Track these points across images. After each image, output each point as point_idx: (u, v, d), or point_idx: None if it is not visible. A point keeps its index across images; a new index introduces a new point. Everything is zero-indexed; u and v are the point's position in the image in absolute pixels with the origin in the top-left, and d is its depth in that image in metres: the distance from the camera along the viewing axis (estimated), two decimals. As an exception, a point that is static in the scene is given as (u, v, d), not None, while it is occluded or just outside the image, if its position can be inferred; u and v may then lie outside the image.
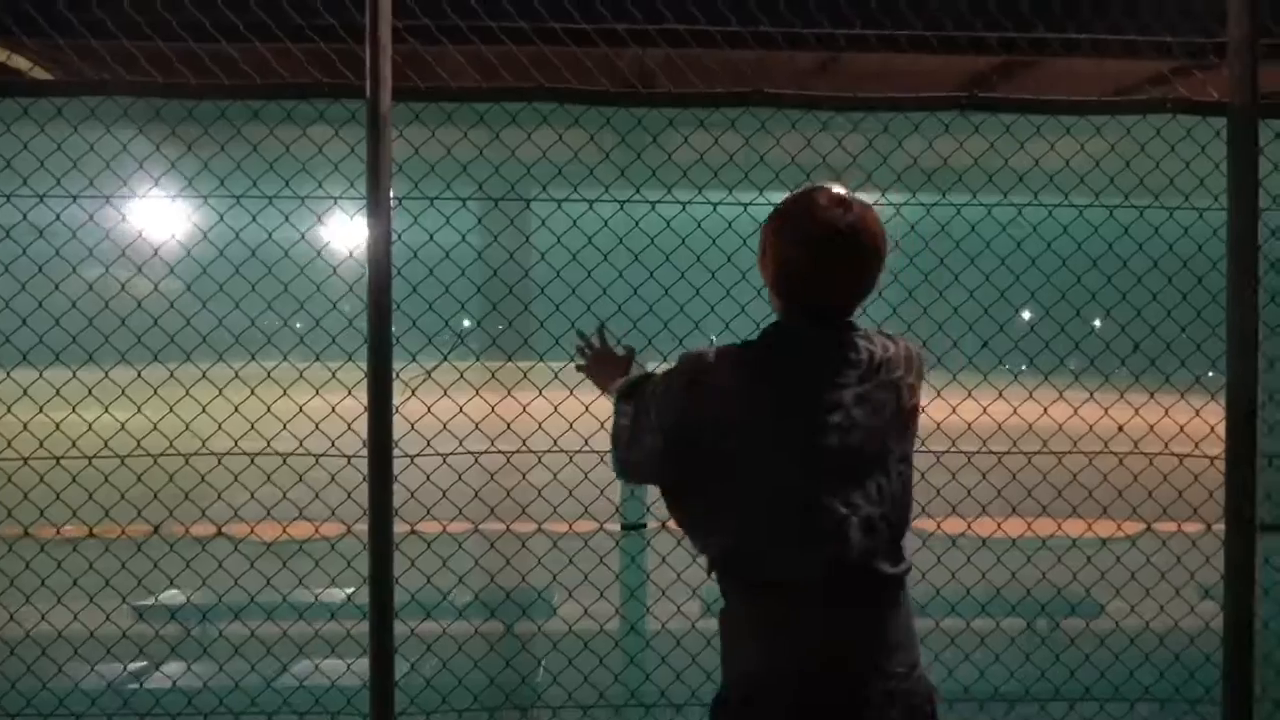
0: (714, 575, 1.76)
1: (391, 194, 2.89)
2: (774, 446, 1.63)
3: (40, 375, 2.97)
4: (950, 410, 3.21)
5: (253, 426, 3.12)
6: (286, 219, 3.21)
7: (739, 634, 1.66)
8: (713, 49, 3.35)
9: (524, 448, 3.11)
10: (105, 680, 3.19)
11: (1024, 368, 3.80)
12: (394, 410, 2.83)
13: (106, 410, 3.11)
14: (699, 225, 3.11)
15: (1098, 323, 3.65)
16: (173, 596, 4.45)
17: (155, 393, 3.08)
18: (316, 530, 3.13)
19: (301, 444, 3.04)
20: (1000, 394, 3.24)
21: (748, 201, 3.12)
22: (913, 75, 4.21)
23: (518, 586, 3.06)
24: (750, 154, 3.18)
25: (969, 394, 3.20)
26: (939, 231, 3.27)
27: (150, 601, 4.07)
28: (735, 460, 1.64)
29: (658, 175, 3.11)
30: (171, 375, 3.02)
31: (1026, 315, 3.80)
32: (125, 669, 3.23)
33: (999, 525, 3.42)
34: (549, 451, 3.11)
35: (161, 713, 3.15)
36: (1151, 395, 3.41)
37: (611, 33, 3.33)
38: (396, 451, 2.88)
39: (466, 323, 3.52)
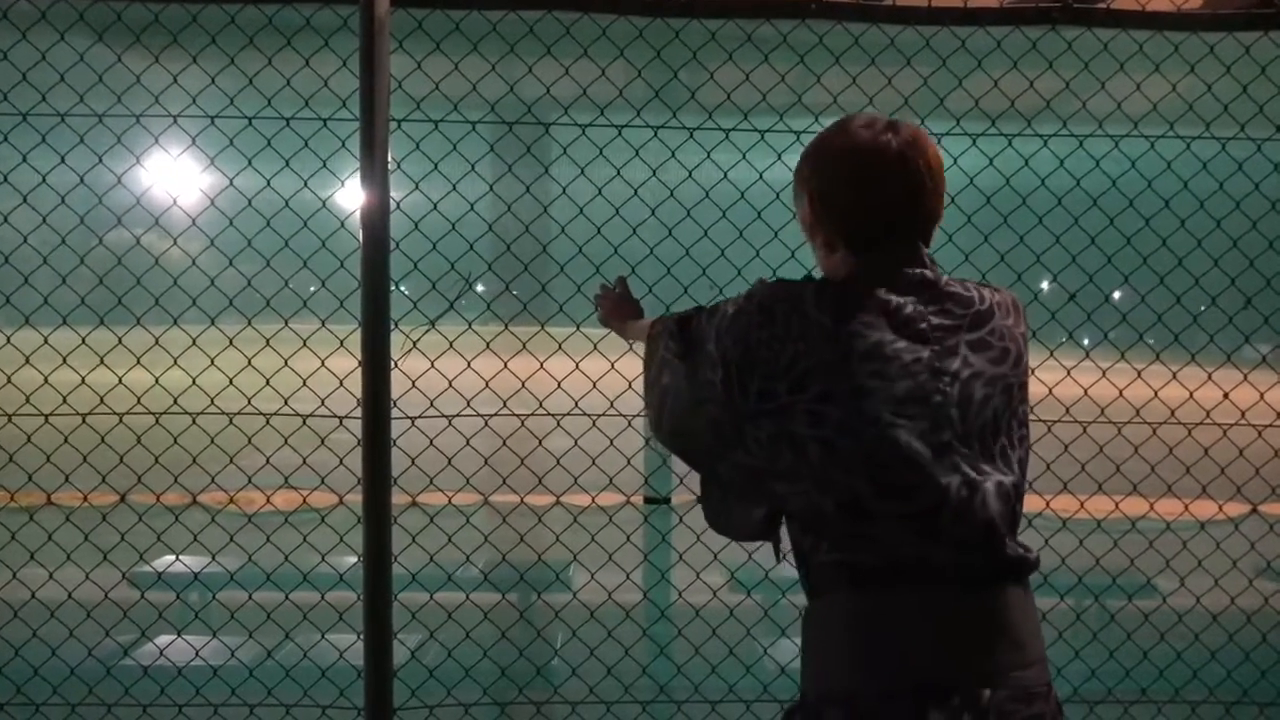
0: (790, 558, 1.42)
1: (390, 116, 2.52)
2: (881, 393, 1.31)
3: (45, 340, 2.65)
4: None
5: (231, 383, 2.77)
6: (287, 164, 2.83)
7: (834, 637, 1.31)
8: None
9: (540, 410, 2.76)
10: (96, 652, 2.89)
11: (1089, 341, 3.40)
12: (392, 365, 2.49)
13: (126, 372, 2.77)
14: (744, 156, 2.72)
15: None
16: (169, 563, 4.15)
17: (176, 354, 2.75)
18: (304, 500, 2.80)
19: (286, 402, 2.69)
20: (1068, 372, 2.85)
21: (801, 129, 2.72)
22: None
23: (533, 566, 2.73)
24: (805, 75, 2.78)
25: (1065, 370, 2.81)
26: (1020, 169, 2.86)
27: (146, 569, 3.77)
28: (830, 406, 1.31)
29: (697, 98, 2.71)
30: (194, 339, 2.69)
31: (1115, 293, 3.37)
32: (111, 639, 2.93)
33: (1082, 504, 3.05)
34: (569, 414, 2.76)
35: (149, 685, 2.85)
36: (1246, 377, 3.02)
37: None
38: (395, 412, 2.54)
39: (480, 287, 3.14)
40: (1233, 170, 2.93)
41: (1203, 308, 3.07)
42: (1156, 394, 2.86)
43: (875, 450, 1.29)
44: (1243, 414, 2.90)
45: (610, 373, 2.74)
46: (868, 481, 1.29)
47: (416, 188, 2.73)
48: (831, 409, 1.30)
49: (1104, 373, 2.84)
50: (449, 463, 2.78)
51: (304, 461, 2.79)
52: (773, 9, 2.75)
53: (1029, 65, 2.84)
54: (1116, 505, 2.96)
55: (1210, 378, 2.89)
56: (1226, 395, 2.87)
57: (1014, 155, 2.83)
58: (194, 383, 2.73)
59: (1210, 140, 2.88)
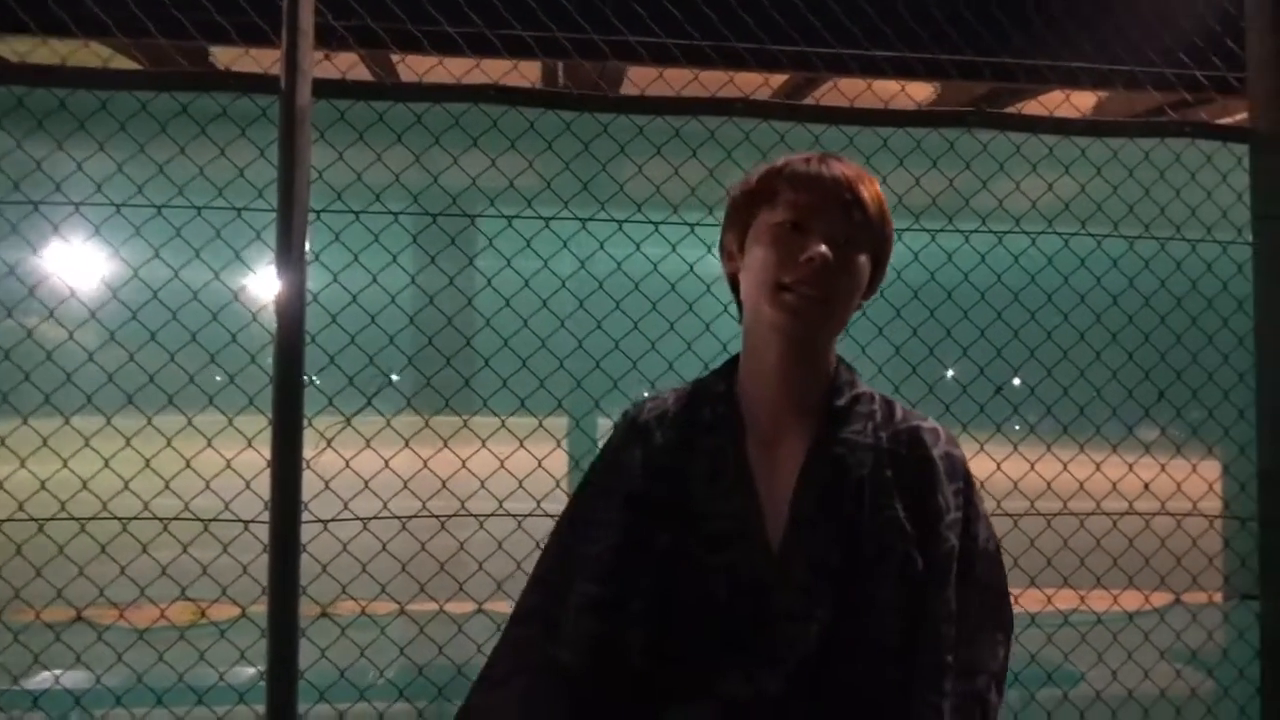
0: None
1: (310, 206, 2.46)
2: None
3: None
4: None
5: (127, 486, 2.60)
6: (197, 254, 2.75)
7: None
8: (671, 65, 3.00)
9: (463, 511, 2.66)
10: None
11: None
12: (304, 464, 2.37)
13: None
14: (674, 249, 2.74)
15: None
16: (41, 680, 3.81)
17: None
18: (203, 613, 2.62)
19: (187, 506, 2.54)
20: (981, 447, 2.89)
21: (728, 224, 2.76)
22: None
23: (453, 680, 2.58)
24: (732, 169, 2.84)
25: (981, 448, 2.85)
26: (943, 265, 2.95)
27: (20, 689, 3.45)
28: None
29: (626, 191, 2.74)
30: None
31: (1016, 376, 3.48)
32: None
33: (1015, 598, 3.04)
34: (493, 515, 2.66)
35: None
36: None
37: (553, 42, 2.95)
38: (306, 515, 2.41)
39: (395, 377, 3.05)
40: (1140, 268, 3.08)
41: (1127, 395, 3.18)
42: (1083, 485, 2.92)
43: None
44: (1163, 504, 2.98)
45: (537, 470, 2.67)
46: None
47: (335, 279, 2.66)
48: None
49: (1031, 465, 2.89)
50: (363, 569, 2.65)
51: (204, 570, 2.62)
52: (699, 106, 2.82)
53: (949, 165, 2.96)
54: (1049, 599, 2.97)
55: (1132, 468, 2.97)
56: (1146, 486, 2.94)
57: (937, 251, 2.92)
58: (85, 485, 2.56)
59: (1119, 239, 3.03)
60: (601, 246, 2.75)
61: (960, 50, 3.31)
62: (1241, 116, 3.77)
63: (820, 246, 1.30)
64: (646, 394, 1.52)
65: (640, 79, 4.14)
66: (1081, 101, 4.28)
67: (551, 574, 1.42)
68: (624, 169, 2.75)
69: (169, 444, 2.64)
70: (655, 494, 1.35)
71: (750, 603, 1.29)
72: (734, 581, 1.29)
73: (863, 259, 1.35)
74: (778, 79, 4.49)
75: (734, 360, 1.45)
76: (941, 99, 4.51)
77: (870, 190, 1.36)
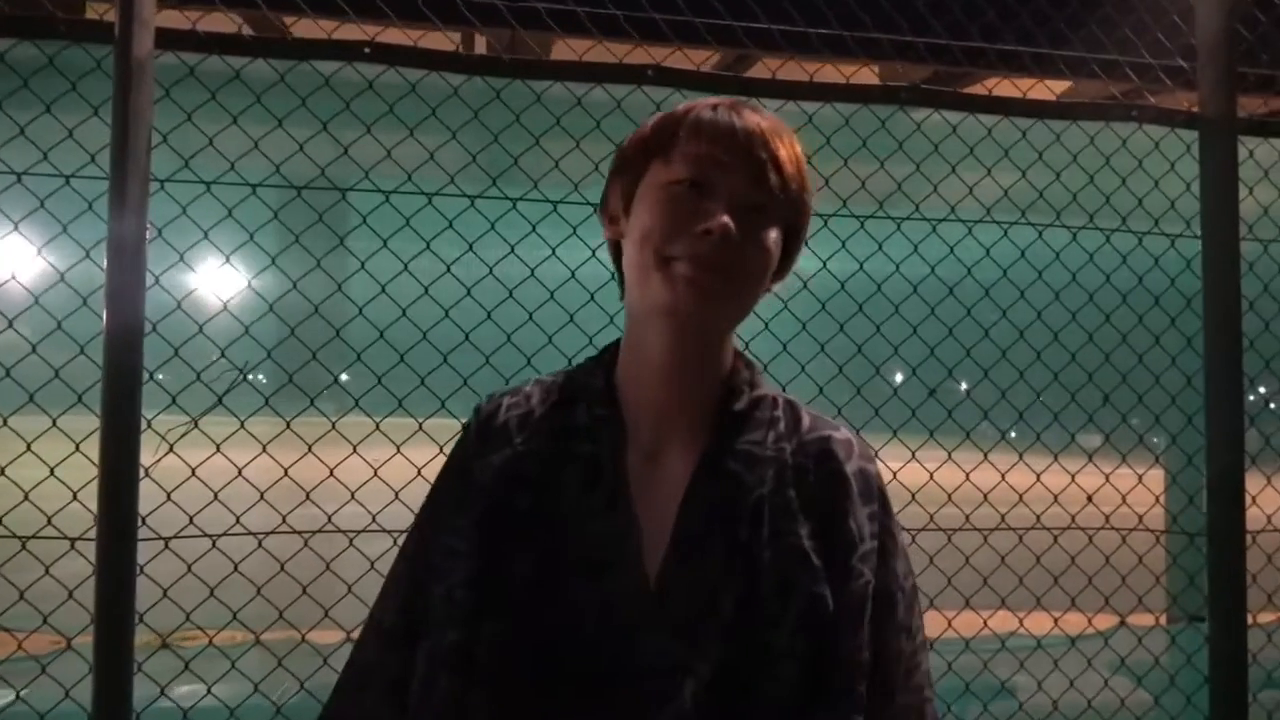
0: None
1: (151, 174, 2.13)
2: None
3: None
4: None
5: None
6: (16, 227, 2.39)
7: None
8: (581, 36, 2.72)
9: (329, 526, 2.34)
10: None
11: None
12: (142, 472, 2.05)
13: None
14: (575, 231, 2.45)
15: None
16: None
17: None
18: (19, 645, 2.26)
19: (1, 521, 2.18)
20: (913, 455, 2.66)
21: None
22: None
23: None
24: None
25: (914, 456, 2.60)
26: (871, 255, 2.70)
27: None
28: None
29: (521, 165, 2.44)
30: None
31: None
32: None
33: (949, 623, 2.82)
34: (364, 531, 2.35)
35: None
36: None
37: (450, 7, 2.64)
38: (143, 532, 2.09)
39: (256, 375, 2.72)
40: (1083, 262, 2.88)
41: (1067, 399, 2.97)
42: (1022, 497, 2.69)
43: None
44: (1107, 518, 2.78)
45: (416, 479, 2.36)
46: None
47: (181, 259, 2.33)
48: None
49: (967, 475, 2.66)
50: (211, 593, 2.31)
51: (21, 596, 2.26)
52: (606, 73, 2.54)
53: (880, 147, 2.72)
54: (985, 623, 2.74)
55: (1074, 479, 2.75)
56: (1090, 498, 2.73)
57: (865, 239, 2.68)
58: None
59: (1061, 229, 2.82)
60: (493, 226, 2.45)
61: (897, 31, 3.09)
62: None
63: (722, 216, 1.05)
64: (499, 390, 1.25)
65: (557, 54, 3.85)
66: (1032, 93, 4.10)
67: (392, 620, 1.14)
68: (519, 141, 2.46)
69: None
70: (514, 511, 1.08)
71: (615, 648, 1.02)
72: (606, 619, 1.02)
73: (774, 232, 1.11)
74: (701, 56, 4.24)
75: (614, 347, 1.19)
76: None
77: (789, 149, 1.11)
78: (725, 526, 1.06)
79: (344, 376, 2.68)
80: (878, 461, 1.17)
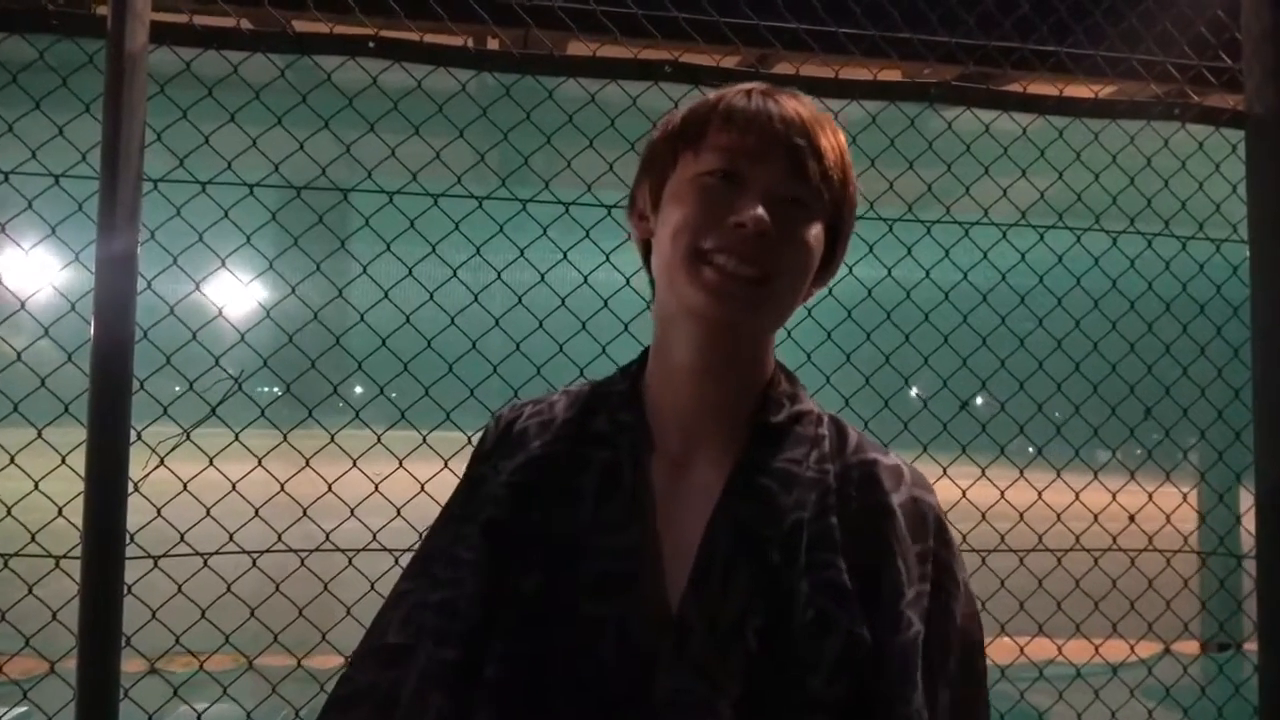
0: None
1: (144, 174, 2.04)
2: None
3: None
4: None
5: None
6: (2, 229, 2.30)
7: None
8: (603, 38, 2.61)
9: (327, 545, 2.22)
10: None
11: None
12: (131, 487, 1.94)
13: None
14: (587, 234, 2.34)
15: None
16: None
17: None
18: (0, 669, 2.15)
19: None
20: (944, 472, 2.53)
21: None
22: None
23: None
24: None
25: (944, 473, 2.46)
26: (901, 258, 2.58)
27: None
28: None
29: (530, 165, 2.34)
30: None
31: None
32: None
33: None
34: (364, 550, 2.23)
35: None
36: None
37: (464, 6, 2.54)
38: (131, 550, 1.99)
39: (254, 386, 2.62)
40: (1124, 268, 2.75)
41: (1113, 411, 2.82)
42: (1059, 517, 2.55)
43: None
44: (1150, 539, 2.63)
45: (420, 495, 2.25)
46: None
47: (175, 262, 2.22)
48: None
49: (1002, 493, 2.52)
50: (203, 615, 2.20)
51: (2, 616, 2.15)
52: (621, 68, 2.43)
53: (909, 146, 2.60)
54: (1021, 650, 2.59)
55: (1115, 497, 2.61)
56: (1132, 518, 2.58)
57: (894, 244, 2.55)
58: None
59: (1101, 234, 2.69)
60: (501, 229, 2.34)
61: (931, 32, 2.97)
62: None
63: (757, 208, 0.96)
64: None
65: (571, 51, 3.76)
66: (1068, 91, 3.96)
67: (392, 635, 1.05)
68: (529, 140, 2.35)
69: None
70: (524, 520, 0.99)
71: (630, 676, 0.91)
72: (621, 643, 0.92)
73: (815, 228, 1.01)
74: (728, 59, 4.13)
75: (645, 354, 1.11)
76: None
77: (830, 138, 1.01)
78: (757, 549, 0.96)
79: (357, 390, 2.58)
80: (933, 490, 1.05)
